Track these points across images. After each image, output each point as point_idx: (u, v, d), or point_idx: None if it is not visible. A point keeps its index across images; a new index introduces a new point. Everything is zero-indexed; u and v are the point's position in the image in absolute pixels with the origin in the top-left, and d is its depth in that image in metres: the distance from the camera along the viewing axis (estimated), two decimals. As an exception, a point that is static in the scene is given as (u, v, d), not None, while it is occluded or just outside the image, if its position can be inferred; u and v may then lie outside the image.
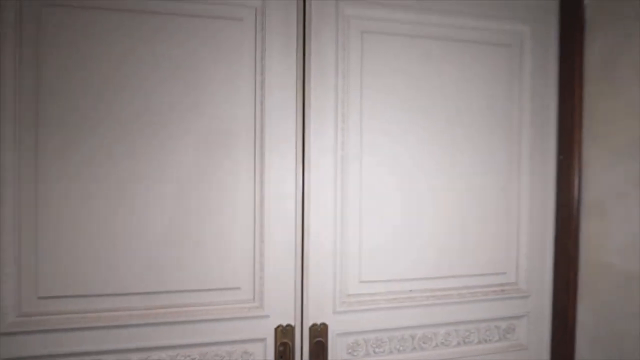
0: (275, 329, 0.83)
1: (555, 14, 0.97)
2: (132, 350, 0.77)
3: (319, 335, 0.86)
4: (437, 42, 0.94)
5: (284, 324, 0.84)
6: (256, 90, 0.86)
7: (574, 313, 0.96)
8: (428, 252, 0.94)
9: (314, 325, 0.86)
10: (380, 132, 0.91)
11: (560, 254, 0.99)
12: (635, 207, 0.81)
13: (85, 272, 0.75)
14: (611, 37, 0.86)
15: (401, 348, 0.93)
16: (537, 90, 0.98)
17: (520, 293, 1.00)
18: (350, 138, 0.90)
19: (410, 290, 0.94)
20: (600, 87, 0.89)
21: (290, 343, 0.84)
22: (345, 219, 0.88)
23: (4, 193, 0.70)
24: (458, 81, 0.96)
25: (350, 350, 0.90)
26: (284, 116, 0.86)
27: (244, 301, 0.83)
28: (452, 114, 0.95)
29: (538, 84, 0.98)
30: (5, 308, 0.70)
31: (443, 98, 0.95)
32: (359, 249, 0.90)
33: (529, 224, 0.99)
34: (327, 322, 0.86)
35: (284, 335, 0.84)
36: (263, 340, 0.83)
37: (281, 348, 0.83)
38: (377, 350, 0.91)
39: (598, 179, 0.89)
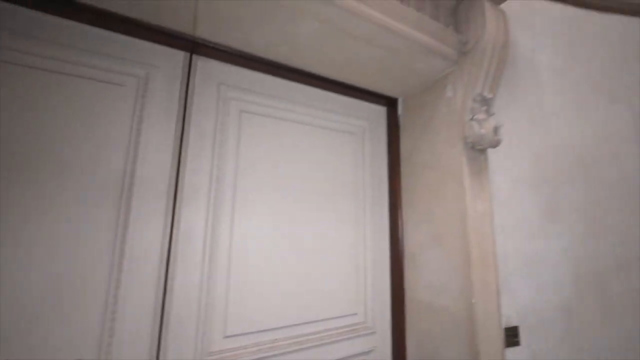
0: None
1: (384, 117, 1.39)
2: None
3: (173, 402, 0.83)
4: (304, 125, 1.20)
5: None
6: (129, 150, 0.90)
7: (404, 342, 1.21)
8: (292, 300, 1.06)
9: (169, 390, 0.83)
10: (253, 191, 1.05)
11: (394, 295, 1.27)
12: (432, 257, 1.16)
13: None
14: (412, 137, 1.29)
15: (266, 398, 0.97)
16: (375, 166, 1.33)
17: (368, 330, 1.21)
18: (224, 197, 1.00)
19: (275, 340, 1.02)
20: (409, 169, 1.28)
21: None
22: (212, 275, 0.94)
23: None
24: (319, 156, 1.22)
25: (209, 413, 0.89)
26: (156, 175, 0.91)
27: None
28: (314, 180, 1.19)
29: (375, 162, 1.34)
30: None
31: (308, 168, 1.18)
32: (226, 303, 0.95)
33: (372, 269, 1.25)
34: (185, 385, 0.85)
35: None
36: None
37: None
38: (238, 407, 0.93)
39: (411, 235, 1.24)
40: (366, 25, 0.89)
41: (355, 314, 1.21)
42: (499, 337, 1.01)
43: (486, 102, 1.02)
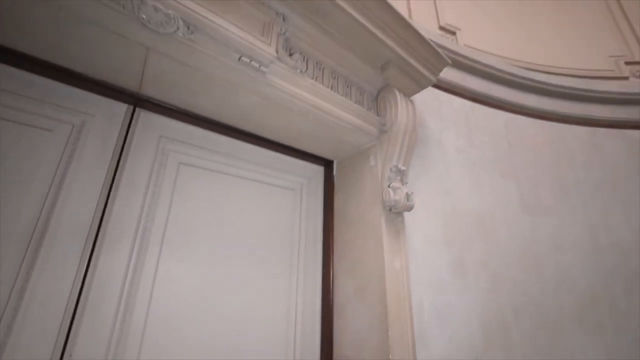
0: None
1: (322, 176, 1.53)
2: None
3: None
4: (244, 180, 1.27)
5: None
6: (49, 195, 0.86)
7: (329, 405, 1.19)
8: (219, 345, 1.01)
9: None
10: (184, 240, 1.04)
11: (323, 350, 1.27)
12: (356, 310, 1.22)
13: None
14: (344, 195, 1.43)
15: None
16: (311, 220, 1.42)
17: (294, 391, 1.17)
18: (151, 245, 0.98)
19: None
20: (341, 225, 1.40)
21: None
22: (127, 325, 0.87)
23: None
24: (258, 209, 1.27)
25: None
26: (76, 221, 0.88)
27: None
28: (251, 231, 1.22)
29: (311, 216, 1.43)
30: None
31: (246, 219, 1.22)
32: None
33: (303, 320, 1.24)
34: None
35: None
36: None
37: None
38: None
39: (340, 288, 1.30)
40: (300, 103, 1.04)
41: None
42: (413, 393, 1.06)
43: (400, 173, 1.22)
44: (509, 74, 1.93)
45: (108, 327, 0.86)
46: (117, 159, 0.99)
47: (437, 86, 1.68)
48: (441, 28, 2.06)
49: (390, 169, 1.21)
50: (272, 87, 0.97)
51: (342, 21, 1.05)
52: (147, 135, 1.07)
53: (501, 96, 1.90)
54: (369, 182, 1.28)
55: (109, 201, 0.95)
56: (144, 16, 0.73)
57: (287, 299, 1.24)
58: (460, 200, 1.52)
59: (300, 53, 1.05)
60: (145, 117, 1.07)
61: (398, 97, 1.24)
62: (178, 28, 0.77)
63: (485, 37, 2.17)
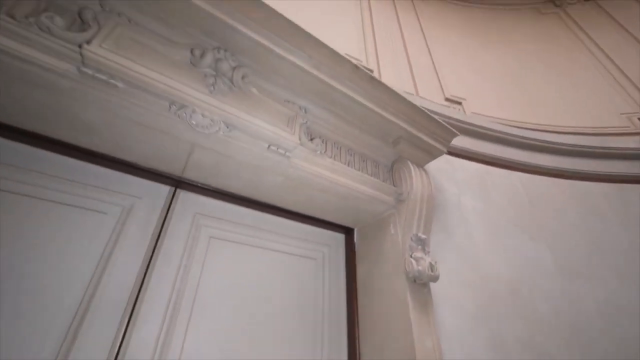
0: None
1: (343, 244, 1.55)
2: None
3: None
4: (268, 250, 1.32)
5: None
6: (96, 271, 0.95)
7: None
8: None
9: None
10: (212, 310, 1.06)
11: None
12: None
13: None
14: (367, 264, 1.42)
15: None
16: (333, 292, 1.39)
17: None
18: (180, 315, 1.01)
19: None
20: (365, 297, 1.36)
21: None
22: None
23: None
24: (281, 279, 1.28)
25: None
26: (116, 295, 0.94)
27: None
28: (275, 300, 1.21)
29: (334, 286, 1.41)
30: None
31: (270, 291, 1.22)
32: None
33: None
34: None
35: None
36: None
37: None
38: None
39: (367, 370, 1.21)
40: (321, 180, 1.14)
41: None
42: None
43: (422, 242, 1.22)
44: (518, 136, 2.00)
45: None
46: (156, 236, 1.09)
47: (451, 152, 1.77)
48: (447, 99, 2.26)
49: (411, 238, 1.22)
50: (295, 169, 1.09)
51: (357, 110, 1.21)
52: (184, 212, 1.18)
53: (514, 157, 1.95)
54: (391, 250, 1.28)
55: (146, 276, 1.02)
56: (193, 122, 0.90)
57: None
58: (487, 267, 1.46)
59: (320, 137, 1.20)
60: (184, 197, 1.21)
61: (411, 168, 1.32)
62: (219, 128, 0.93)
63: (490, 104, 2.33)
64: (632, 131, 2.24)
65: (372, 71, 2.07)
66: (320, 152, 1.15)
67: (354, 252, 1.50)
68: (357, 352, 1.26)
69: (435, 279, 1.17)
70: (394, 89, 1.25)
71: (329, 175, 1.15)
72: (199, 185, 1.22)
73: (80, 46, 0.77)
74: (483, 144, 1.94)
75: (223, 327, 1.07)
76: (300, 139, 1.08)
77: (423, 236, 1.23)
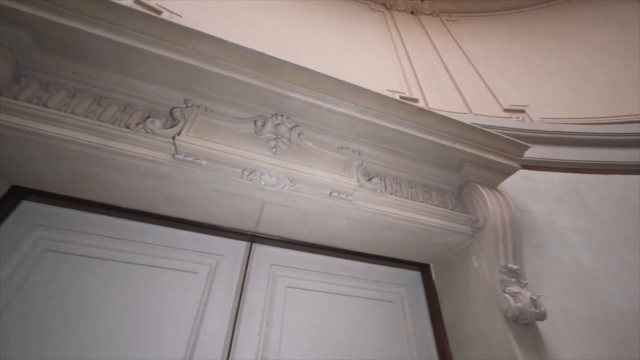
0: None
1: (420, 282, 1.44)
2: None
3: None
4: (343, 296, 1.30)
5: None
6: (193, 330, 1.05)
7: None
8: None
9: None
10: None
11: None
12: None
13: None
14: (452, 303, 1.27)
15: None
16: (419, 339, 1.26)
17: None
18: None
19: None
20: (457, 341, 1.20)
21: None
22: None
23: None
24: (360, 325, 1.23)
25: None
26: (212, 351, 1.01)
27: None
28: (356, 349, 1.15)
29: (418, 330, 1.28)
30: None
31: (349, 337, 1.18)
32: None
33: None
34: None
35: None
36: None
37: None
38: None
39: None
40: (384, 218, 1.13)
41: None
42: None
43: (514, 274, 1.07)
44: (603, 134, 1.72)
45: None
46: (240, 290, 1.18)
47: (527, 166, 1.58)
48: (506, 110, 2.09)
49: (500, 270, 1.08)
50: (358, 210, 1.11)
51: (410, 142, 1.21)
52: (261, 264, 1.26)
53: (609, 159, 1.65)
54: (478, 287, 1.14)
55: (235, 331, 1.08)
56: (262, 182, 1.00)
57: None
58: (608, 297, 1.18)
59: (377, 175, 1.21)
60: (259, 250, 1.30)
61: (482, 191, 1.22)
62: (285, 184, 1.02)
63: (558, 105, 2.09)
64: None
65: (417, 100, 2.07)
66: (380, 190, 1.15)
67: (434, 290, 1.37)
68: (462, 412, 1.09)
69: (542, 316, 0.99)
70: (443, 112, 1.23)
71: (392, 212, 1.13)
72: (271, 237, 1.31)
73: (173, 138, 0.96)
74: (562, 150, 1.71)
75: (310, 383, 1.04)
76: (358, 181, 1.11)
77: (515, 266, 1.08)
